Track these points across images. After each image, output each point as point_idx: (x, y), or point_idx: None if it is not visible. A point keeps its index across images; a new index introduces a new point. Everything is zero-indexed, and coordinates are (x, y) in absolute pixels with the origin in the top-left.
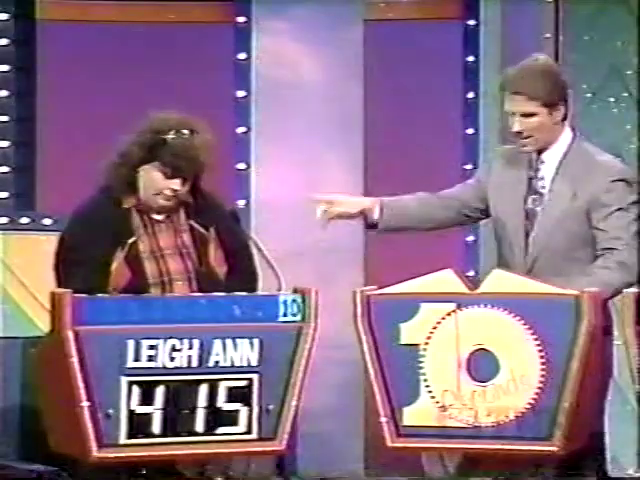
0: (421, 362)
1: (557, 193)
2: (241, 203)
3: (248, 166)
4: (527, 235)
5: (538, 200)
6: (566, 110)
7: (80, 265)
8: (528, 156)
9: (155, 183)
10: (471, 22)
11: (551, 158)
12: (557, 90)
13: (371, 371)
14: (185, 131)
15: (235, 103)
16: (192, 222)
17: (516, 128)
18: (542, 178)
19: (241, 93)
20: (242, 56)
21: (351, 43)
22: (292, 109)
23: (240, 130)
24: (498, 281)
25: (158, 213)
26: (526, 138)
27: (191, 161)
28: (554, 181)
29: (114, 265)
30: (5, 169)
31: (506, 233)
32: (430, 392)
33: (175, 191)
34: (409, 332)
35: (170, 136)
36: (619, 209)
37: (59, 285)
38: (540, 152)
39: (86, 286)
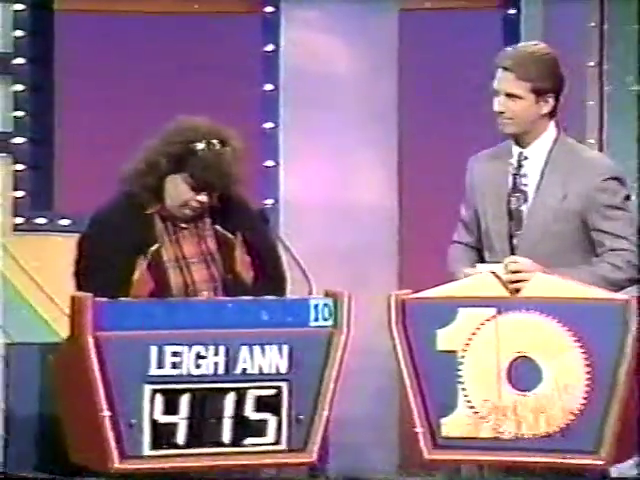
0: (459, 370)
1: (546, 193)
2: (269, 202)
3: (276, 163)
4: (511, 237)
5: (521, 199)
6: (556, 105)
7: (100, 273)
8: (511, 153)
9: (182, 195)
10: (511, 11)
11: (535, 154)
12: (550, 79)
13: (406, 379)
14: (215, 142)
15: (263, 97)
16: (217, 227)
17: (496, 107)
18: (525, 175)
19: (269, 87)
20: (270, 48)
21: (385, 34)
22: (322, 103)
23: (268, 125)
24: (540, 285)
25: (183, 220)
26: (507, 119)
27: (221, 176)
28: (542, 180)
29: (136, 274)
30: (21, 167)
31: (489, 236)
32: (469, 402)
33: (202, 203)
34: (446, 338)
35: (200, 147)
36: (617, 207)
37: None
38: (523, 147)
39: (106, 296)
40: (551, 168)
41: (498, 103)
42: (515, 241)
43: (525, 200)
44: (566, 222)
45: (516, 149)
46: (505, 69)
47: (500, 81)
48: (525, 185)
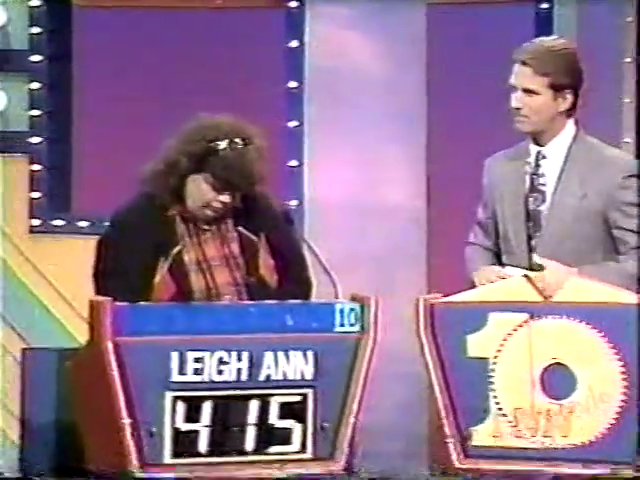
0: (490, 377)
1: (565, 192)
2: (293, 203)
3: (301, 163)
4: (530, 239)
5: (539, 199)
6: (575, 102)
7: (120, 277)
8: (528, 152)
9: (203, 195)
10: (544, 5)
11: (554, 153)
12: (569, 75)
13: (436, 387)
14: (238, 140)
15: (286, 95)
16: (240, 228)
17: (513, 103)
18: (543, 175)
19: (293, 84)
20: (294, 44)
21: (413, 29)
22: (348, 101)
23: (292, 124)
24: (574, 289)
25: (204, 222)
26: (523, 116)
27: (244, 176)
28: (560, 179)
29: (157, 277)
30: (37, 167)
31: (508, 238)
32: (500, 410)
33: (224, 204)
34: (477, 344)
35: (222, 146)
36: (639, 205)
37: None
38: (541, 146)
39: (126, 300)
40: (570, 167)
41: (515, 99)
42: (534, 242)
43: (543, 200)
44: (586, 222)
45: (534, 148)
46: (522, 63)
47: (517, 76)
48: (543, 185)
